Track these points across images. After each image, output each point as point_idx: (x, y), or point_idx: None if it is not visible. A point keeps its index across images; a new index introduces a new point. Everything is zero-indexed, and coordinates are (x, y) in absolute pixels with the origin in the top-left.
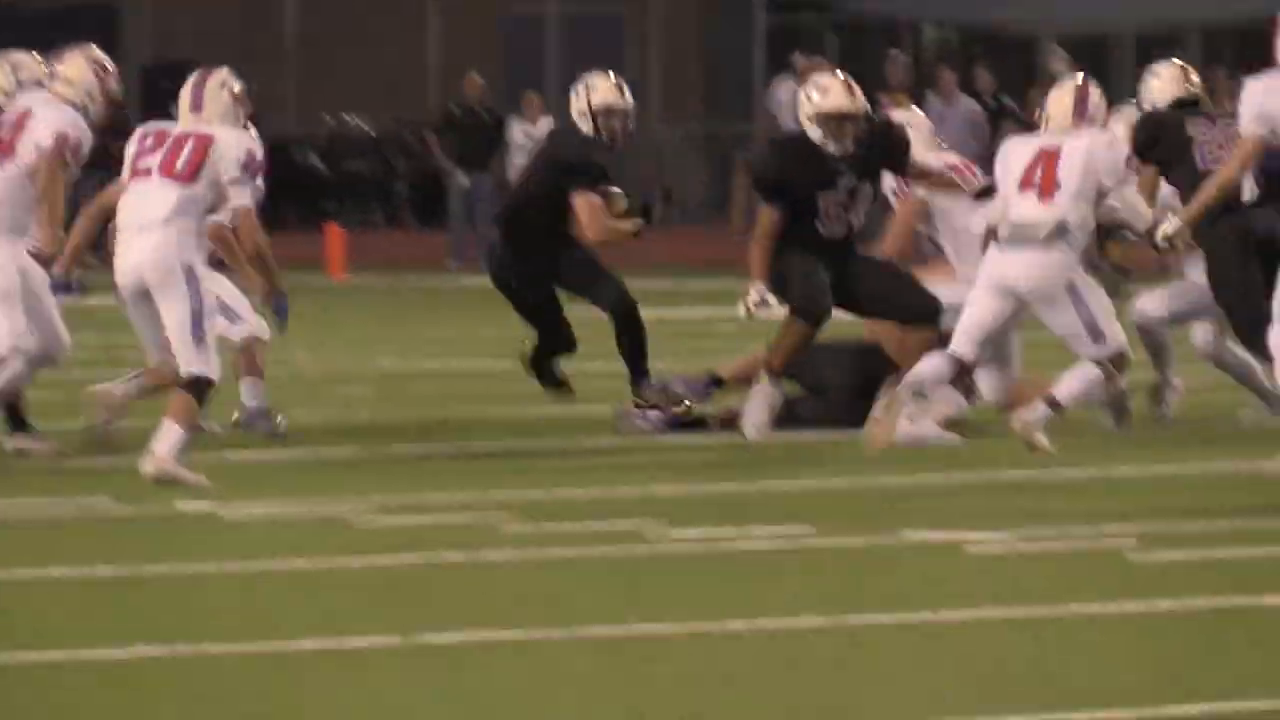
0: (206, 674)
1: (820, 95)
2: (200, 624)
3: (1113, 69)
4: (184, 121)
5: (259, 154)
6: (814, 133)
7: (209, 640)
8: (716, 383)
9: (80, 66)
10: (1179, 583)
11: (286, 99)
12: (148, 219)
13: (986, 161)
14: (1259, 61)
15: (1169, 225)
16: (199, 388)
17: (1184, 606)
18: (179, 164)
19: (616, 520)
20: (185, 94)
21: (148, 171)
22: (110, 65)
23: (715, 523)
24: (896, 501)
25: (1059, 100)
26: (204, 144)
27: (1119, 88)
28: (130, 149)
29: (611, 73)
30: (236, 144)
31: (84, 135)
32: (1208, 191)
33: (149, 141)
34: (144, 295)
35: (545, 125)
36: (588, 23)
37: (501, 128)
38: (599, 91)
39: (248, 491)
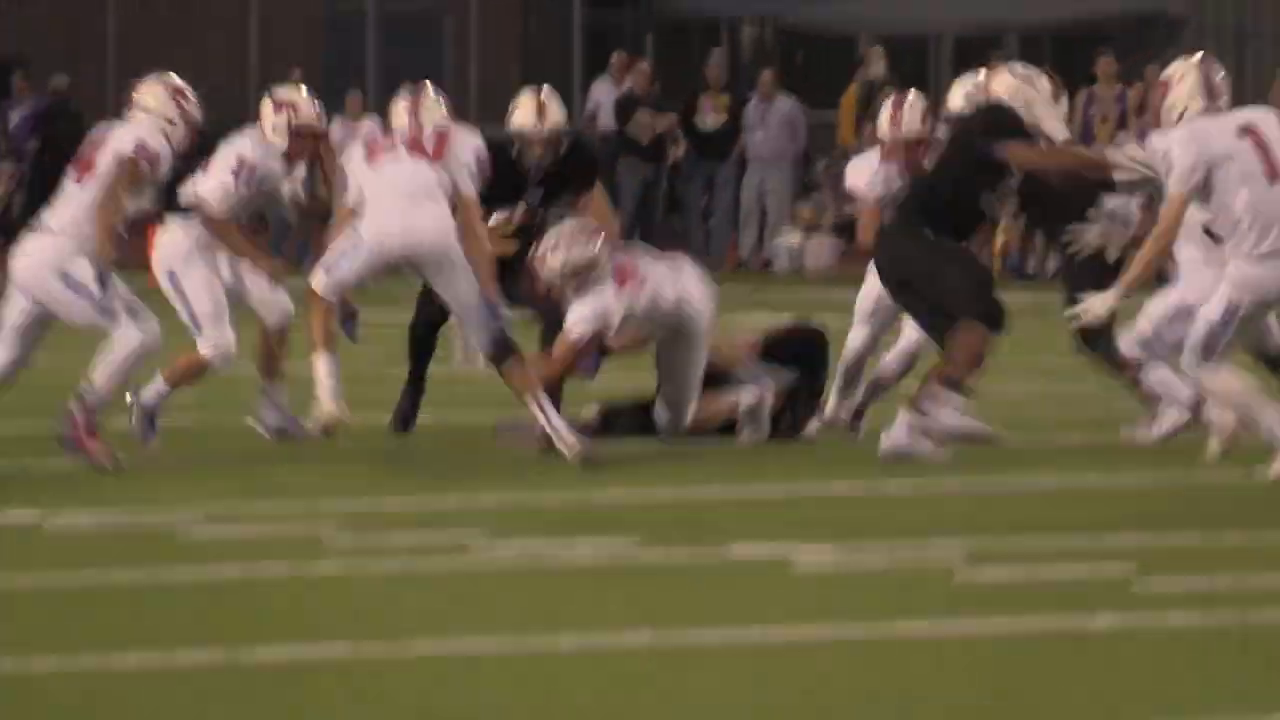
0: (29, 691)
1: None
2: (24, 639)
3: (931, 70)
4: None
5: (484, 154)
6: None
7: (32, 655)
8: (602, 352)
9: (158, 93)
10: (1007, 601)
11: (108, 98)
12: (414, 188)
13: (800, 161)
14: (1079, 66)
15: (1104, 304)
16: (508, 347)
17: (1012, 626)
18: (425, 143)
19: (441, 532)
20: (399, 115)
21: (393, 149)
22: (190, 92)
23: (540, 535)
24: (723, 514)
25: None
26: (444, 134)
27: (938, 89)
28: (358, 152)
29: (544, 89)
30: (468, 137)
31: (164, 149)
32: (1144, 260)
33: (378, 138)
34: (395, 261)
35: (367, 124)
36: (408, 20)
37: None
38: (517, 112)
39: (72, 501)
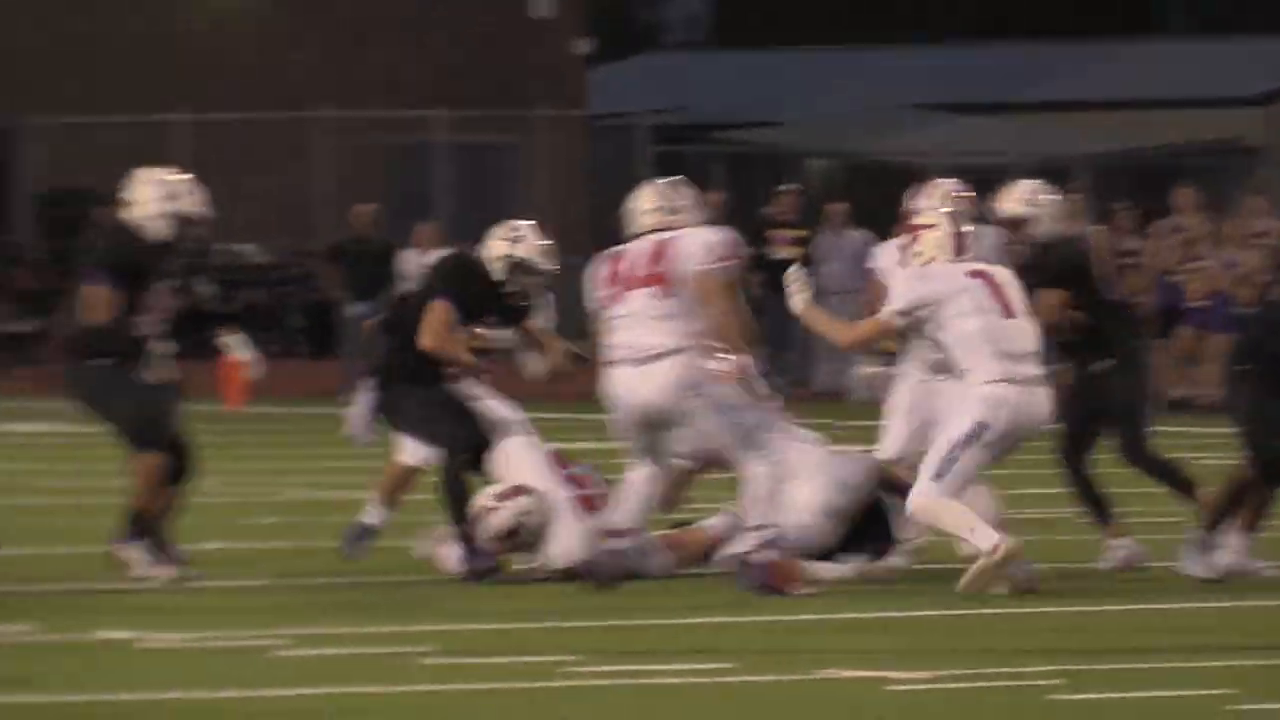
0: None
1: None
2: None
3: None
4: None
5: None
6: None
7: None
8: None
9: (694, 198)
10: None
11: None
12: None
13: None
14: (1153, 197)
15: None
16: None
17: None
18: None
19: (535, 654)
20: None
21: None
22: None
23: (636, 658)
24: (817, 637)
25: None
26: None
27: None
28: None
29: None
30: None
31: (738, 244)
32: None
33: None
34: None
35: (437, 256)
36: (477, 151)
37: (390, 257)
38: (522, 245)
39: (164, 621)
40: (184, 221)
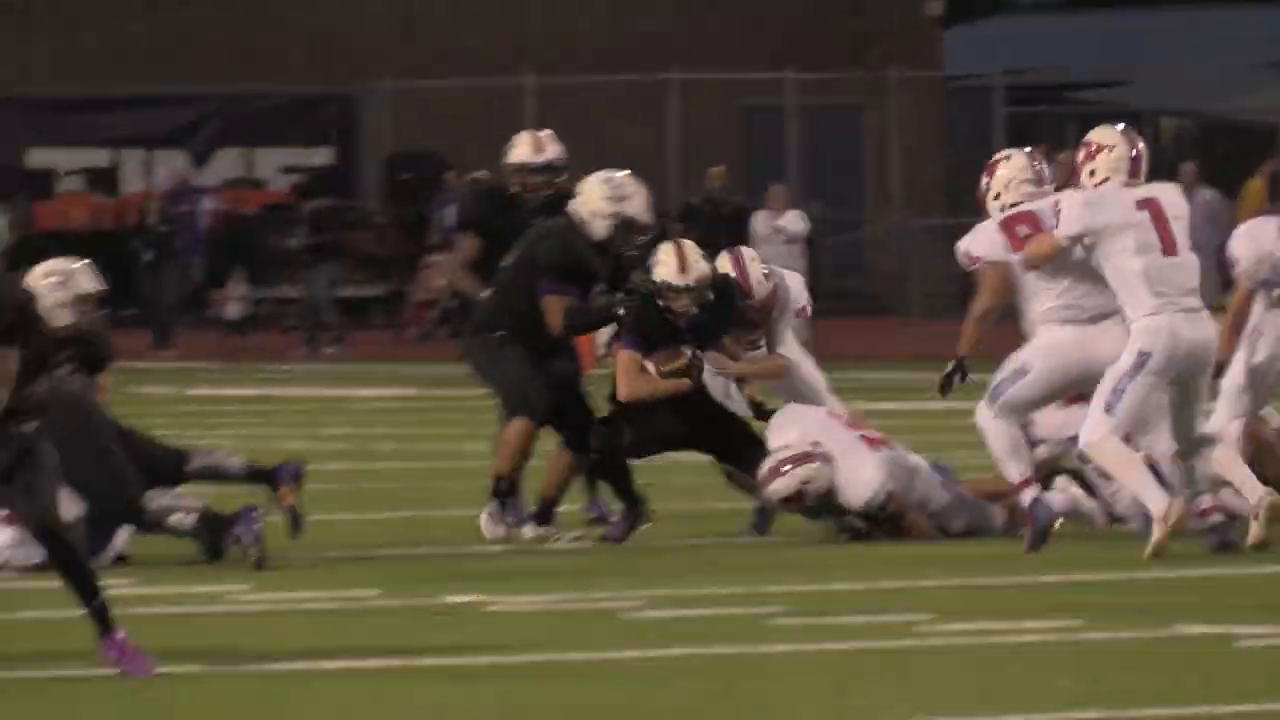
0: None
1: None
2: (464, 716)
3: None
4: None
5: None
6: None
7: None
8: None
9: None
10: None
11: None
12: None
13: (1223, 251)
14: None
15: None
16: None
17: None
18: None
19: (887, 614)
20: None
21: None
22: None
23: (986, 616)
24: (1164, 595)
25: None
26: None
27: None
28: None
29: (683, 245)
30: None
31: None
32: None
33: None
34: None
35: (791, 217)
36: (827, 114)
37: (743, 218)
38: (660, 266)
39: (513, 584)
40: (625, 224)
